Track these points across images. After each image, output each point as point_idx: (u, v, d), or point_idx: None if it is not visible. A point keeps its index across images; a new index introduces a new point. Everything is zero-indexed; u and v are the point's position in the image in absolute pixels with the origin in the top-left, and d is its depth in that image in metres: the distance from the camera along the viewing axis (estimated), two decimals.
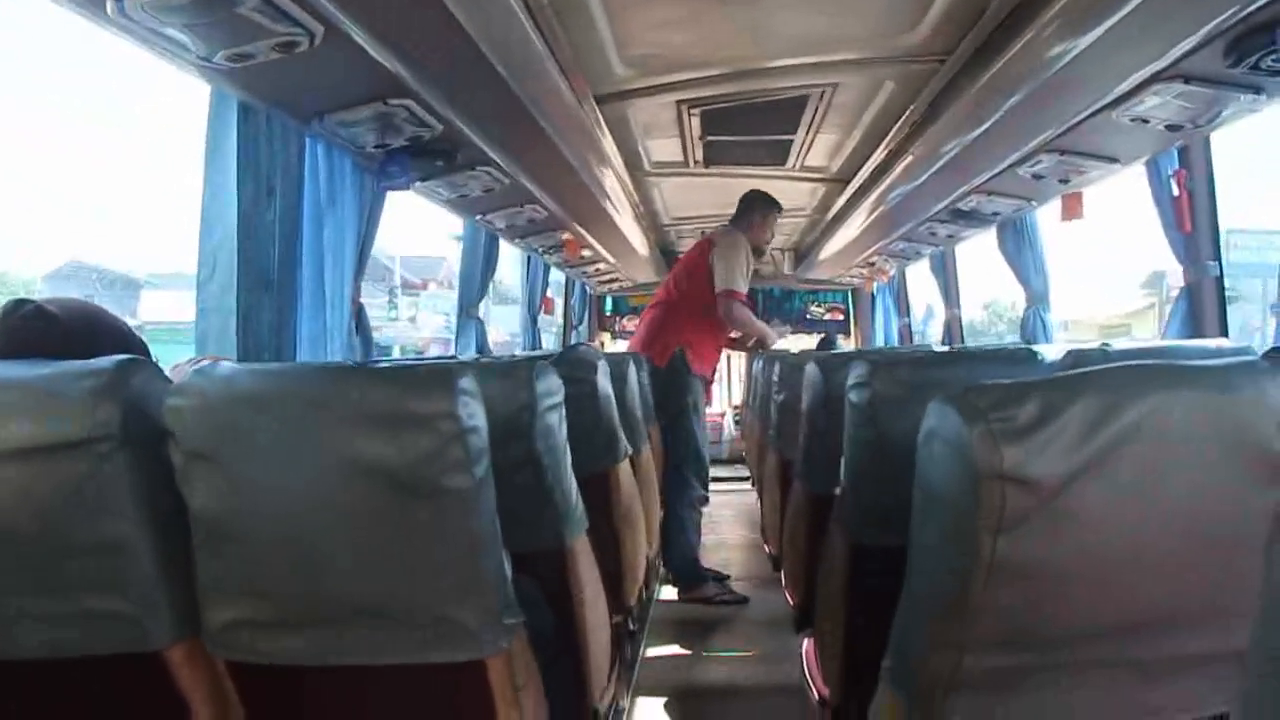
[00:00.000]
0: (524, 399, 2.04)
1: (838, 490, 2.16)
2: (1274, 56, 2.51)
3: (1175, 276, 4.00)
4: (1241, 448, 1.10)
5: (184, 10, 2.09)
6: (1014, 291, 5.74)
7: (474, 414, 1.36)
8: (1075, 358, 2.23)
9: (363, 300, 3.78)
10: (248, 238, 2.87)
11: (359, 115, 3.04)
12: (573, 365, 2.87)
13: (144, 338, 1.84)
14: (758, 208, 5.24)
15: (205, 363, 2.32)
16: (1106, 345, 3.03)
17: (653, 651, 4.30)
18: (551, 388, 2.11)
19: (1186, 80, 2.85)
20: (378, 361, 3.37)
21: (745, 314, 5.20)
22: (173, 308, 21.52)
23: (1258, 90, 2.84)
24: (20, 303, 1.69)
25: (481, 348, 6.03)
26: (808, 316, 10.17)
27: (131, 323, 1.85)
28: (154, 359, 1.86)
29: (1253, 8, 2.32)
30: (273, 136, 2.93)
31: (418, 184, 3.95)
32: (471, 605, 1.41)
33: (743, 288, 5.06)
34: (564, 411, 2.17)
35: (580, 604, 2.21)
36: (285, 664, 1.49)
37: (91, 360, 1.40)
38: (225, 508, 1.40)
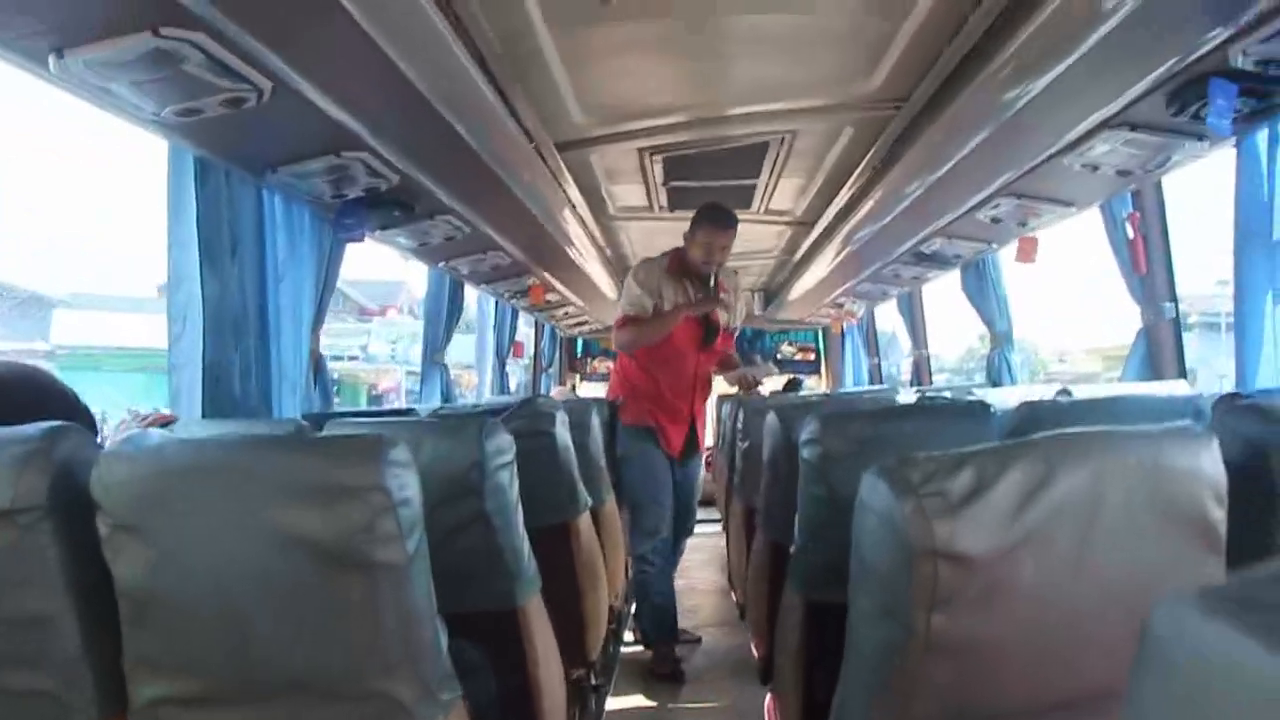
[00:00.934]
0: (473, 457, 2.02)
1: (791, 548, 2.14)
2: (1208, 107, 2.55)
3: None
4: (1178, 517, 1.09)
5: (128, 68, 2.08)
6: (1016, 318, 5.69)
7: (405, 485, 1.33)
8: (1027, 410, 2.23)
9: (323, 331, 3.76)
10: (213, 292, 2.86)
11: (313, 167, 3.03)
12: (531, 418, 2.86)
13: (52, 366, 1.80)
14: (693, 223, 4.32)
15: (150, 418, 2.31)
16: (1065, 392, 3.04)
17: (618, 703, 4.25)
18: (502, 446, 2.09)
19: (1133, 128, 2.90)
20: (337, 415, 3.34)
21: (627, 337, 4.51)
22: (89, 330, 20.52)
23: (1200, 137, 2.90)
24: None
25: (447, 395, 5.99)
26: (779, 356, 10.23)
27: (42, 347, 1.80)
28: (94, 421, 1.84)
29: (1190, 59, 2.36)
30: (231, 190, 2.94)
31: (378, 232, 3.94)
32: (406, 680, 1.38)
33: (632, 312, 4.40)
34: (514, 470, 2.14)
35: (534, 664, 2.17)
36: None
37: (18, 427, 1.37)
38: (153, 581, 1.36)
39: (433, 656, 1.41)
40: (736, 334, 4.82)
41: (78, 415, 1.72)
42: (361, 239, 3.67)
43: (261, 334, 3.12)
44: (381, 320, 29.72)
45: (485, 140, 3.14)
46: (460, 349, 6.64)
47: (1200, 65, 2.42)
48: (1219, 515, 1.10)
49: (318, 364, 3.70)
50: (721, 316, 4.53)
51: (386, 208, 3.59)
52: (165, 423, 2.31)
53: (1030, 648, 1.08)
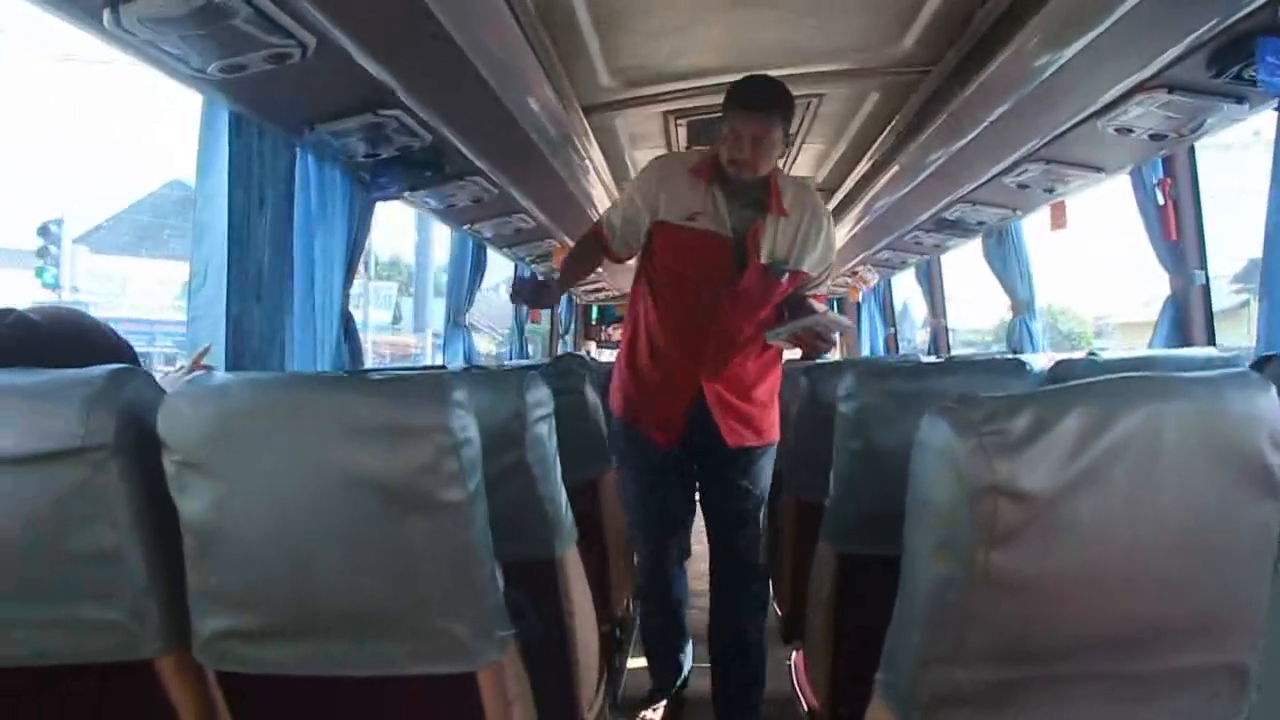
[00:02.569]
0: (514, 409, 2.04)
1: (827, 501, 2.17)
2: (1256, 66, 2.54)
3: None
4: (1233, 460, 1.10)
5: (179, 23, 2.10)
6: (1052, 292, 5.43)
7: (467, 426, 1.36)
8: (1063, 368, 2.25)
9: None
10: (238, 247, 2.88)
11: (349, 126, 3.06)
12: (561, 375, 2.89)
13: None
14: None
15: (199, 373, 2.34)
16: (1094, 354, 3.05)
17: (639, 661, 4.28)
18: (541, 398, 2.11)
19: (1170, 90, 2.88)
20: (370, 371, 3.37)
21: (560, 272, 3.27)
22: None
23: (1240, 99, 2.89)
24: (2, 312, 1.69)
25: (469, 357, 6.03)
26: None
27: None
28: (144, 366, 1.88)
29: (1234, 19, 2.35)
30: (264, 147, 2.94)
31: (408, 194, 3.96)
32: (463, 618, 1.41)
33: (607, 222, 3.07)
34: (554, 422, 2.17)
35: (570, 615, 2.21)
36: (275, 675, 1.48)
37: (84, 369, 1.40)
38: (217, 518, 1.39)
39: (490, 595, 1.44)
40: (809, 284, 2.97)
41: (123, 357, 1.76)
42: (396, 197, 3.70)
43: (289, 290, 3.15)
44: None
45: (518, 101, 3.15)
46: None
47: (1245, 24, 2.41)
48: (1276, 460, 1.11)
49: (347, 323, 3.73)
50: (766, 245, 2.84)
51: (418, 168, 3.61)
52: (205, 356, 2.35)
53: (1085, 586, 1.10)
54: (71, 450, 1.34)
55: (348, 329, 3.72)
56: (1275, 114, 2.76)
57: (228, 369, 2.78)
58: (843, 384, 2.09)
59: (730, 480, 3.05)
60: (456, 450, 1.34)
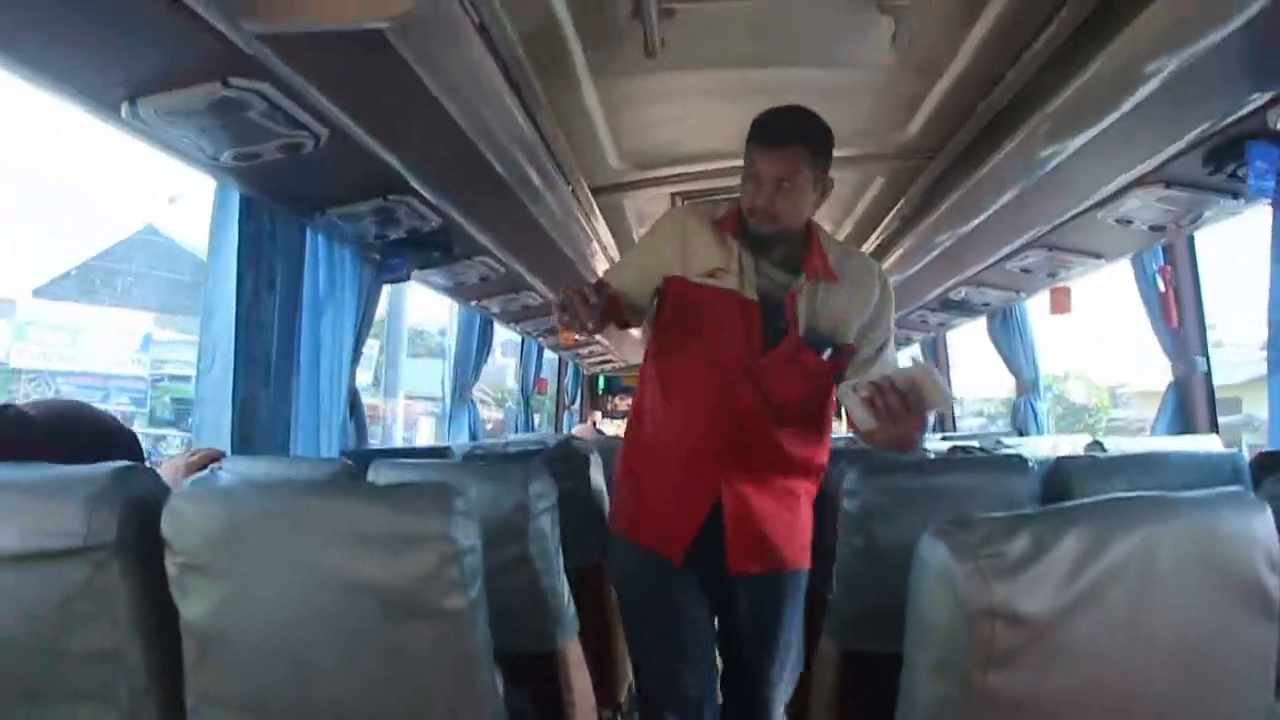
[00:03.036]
0: (518, 502, 2.05)
1: (829, 595, 2.17)
2: (1246, 167, 2.59)
3: None
4: (1230, 582, 1.11)
5: (196, 116, 2.16)
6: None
7: (469, 534, 1.36)
8: (1066, 464, 2.25)
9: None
10: (247, 329, 2.90)
11: (359, 210, 3.11)
12: (567, 460, 2.90)
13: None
14: None
15: (195, 456, 2.34)
16: (1097, 445, 3.05)
17: None
18: (544, 490, 2.12)
19: (1168, 185, 2.95)
20: (376, 453, 3.38)
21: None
22: None
23: (1235, 195, 2.94)
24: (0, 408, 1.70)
25: (475, 433, 6.03)
26: None
27: None
28: (144, 457, 1.89)
29: (1227, 121, 2.41)
30: (275, 230, 2.99)
31: (417, 273, 4.01)
32: None
33: (616, 279, 2.40)
34: (557, 513, 2.18)
35: (571, 705, 2.19)
36: None
37: (87, 466, 1.41)
38: (218, 620, 1.40)
39: (490, 701, 1.44)
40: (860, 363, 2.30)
41: (131, 451, 1.77)
42: (404, 279, 3.74)
43: (295, 371, 3.17)
44: None
45: (526, 184, 3.20)
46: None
47: (1238, 127, 2.47)
48: (1273, 581, 1.12)
49: (354, 401, 3.75)
50: (804, 313, 2.25)
51: (427, 249, 3.65)
52: (213, 460, 2.35)
53: (1083, 709, 1.10)
54: (73, 549, 1.34)
55: (354, 408, 3.75)
56: (1270, 209, 2.81)
57: (234, 452, 2.79)
58: (846, 480, 2.09)
59: (747, 614, 2.34)
60: (459, 558, 1.34)
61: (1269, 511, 1.13)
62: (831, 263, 2.25)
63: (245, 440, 2.89)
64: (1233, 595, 1.11)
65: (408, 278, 3.77)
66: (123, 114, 2.08)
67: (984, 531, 1.07)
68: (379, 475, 2.18)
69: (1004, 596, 1.05)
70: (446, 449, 3.72)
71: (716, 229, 2.29)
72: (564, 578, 2.21)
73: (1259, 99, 2.30)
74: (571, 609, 2.23)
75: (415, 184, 2.91)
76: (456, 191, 3.12)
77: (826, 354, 2.25)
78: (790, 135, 2.12)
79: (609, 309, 2.28)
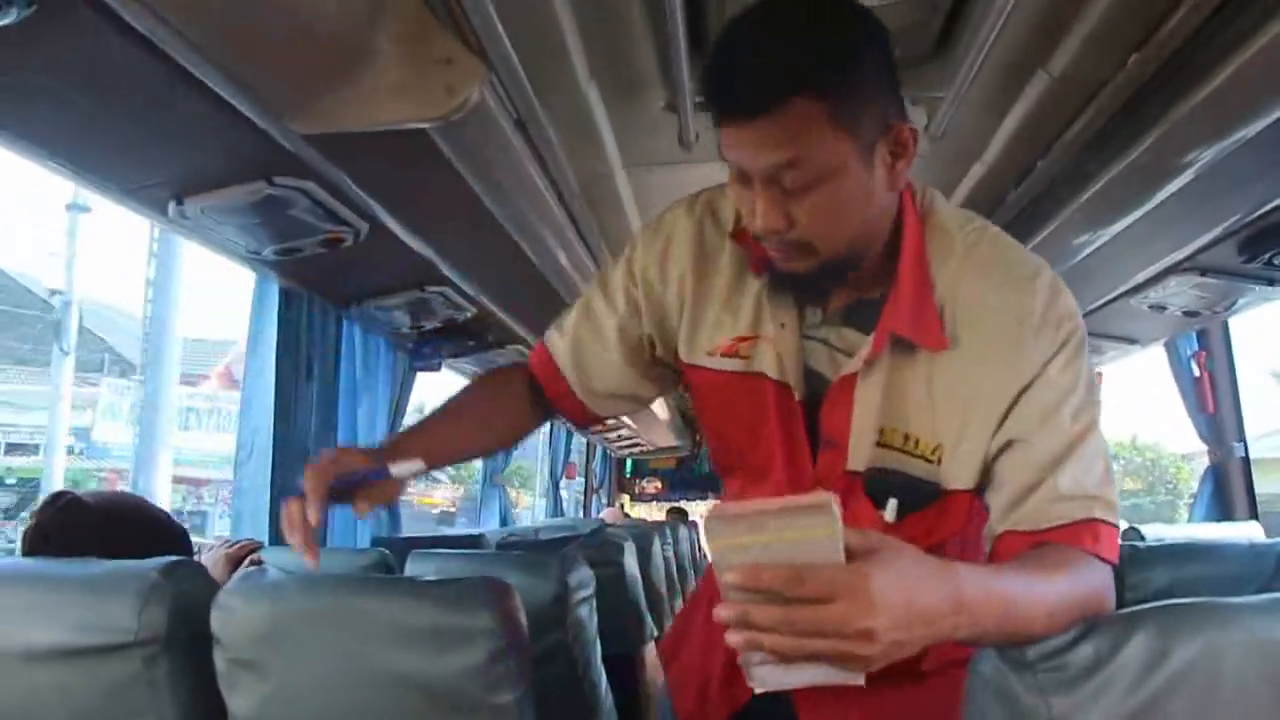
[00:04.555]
0: (556, 593, 2.04)
1: None
2: None
3: None
4: None
5: (241, 212, 2.20)
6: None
7: (516, 629, 1.36)
8: None
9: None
10: (284, 417, 2.93)
11: (395, 301, 3.15)
12: (603, 549, 2.89)
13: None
14: None
15: (234, 548, 2.35)
16: (1134, 530, 3.01)
17: None
18: (583, 579, 2.11)
19: (1202, 272, 2.94)
20: (410, 540, 3.38)
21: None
22: None
23: (1271, 282, 2.94)
24: (57, 495, 1.72)
25: (505, 518, 6.01)
26: None
27: None
28: (194, 551, 1.90)
29: (1264, 209, 2.41)
30: (313, 319, 3.02)
31: (450, 361, 4.04)
32: None
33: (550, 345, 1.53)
34: (594, 603, 2.17)
35: None
36: None
37: (137, 561, 1.42)
38: (267, 714, 1.39)
39: None
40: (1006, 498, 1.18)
41: (177, 541, 1.78)
42: (437, 368, 3.78)
43: None
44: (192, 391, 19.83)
45: (559, 273, 3.23)
46: None
47: (1273, 216, 2.47)
48: None
49: None
50: (866, 418, 1.24)
51: (460, 338, 3.70)
52: (251, 551, 2.36)
53: None
54: (124, 644, 1.35)
55: None
56: None
57: (271, 543, 2.80)
58: None
59: None
60: (507, 653, 1.34)
61: None
62: (944, 301, 1.23)
63: (281, 532, 2.89)
64: None
65: (439, 367, 3.80)
66: (170, 213, 2.13)
67: (1042, 644, 1.05)
68: (416, 565, 2.18)
69: (1064, 710, 1.02)
70: (480, 536, 3.71)
71: (736, 254, 1.36)
72: (601, 668, 2.19)
73: None
74: (609, 700, 2.20)
75: (451, 275, 2.94)
76: (491, 282, 3.16)
77: (892, 511, 1.26)
78: (772, 83, 1.09)
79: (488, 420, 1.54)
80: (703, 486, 10.53)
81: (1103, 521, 1.15)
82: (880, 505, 1.25)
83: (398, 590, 1.43)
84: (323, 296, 3.02)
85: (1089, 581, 1.12)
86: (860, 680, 0.95)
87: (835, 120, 1.09)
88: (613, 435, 8.30)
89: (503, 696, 1.35)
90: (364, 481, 1.33)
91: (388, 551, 2.48)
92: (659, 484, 10.78)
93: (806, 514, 0.87)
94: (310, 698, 1.39)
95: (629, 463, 10.72)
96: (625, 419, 7.00)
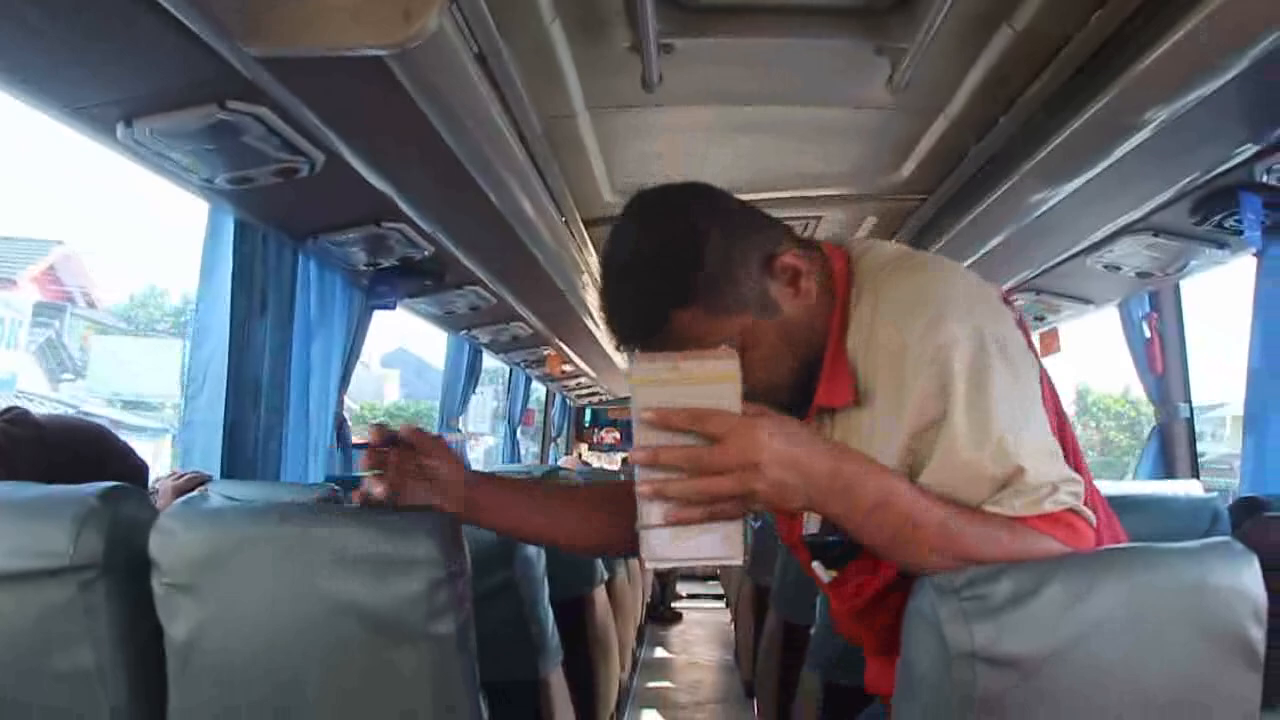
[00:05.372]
0: None
1: (812, 629, 2.17)
2: (1236, 217, 2.63)
3: None
4: (1216, 633, 1.11)
5: (192, 137, 2.15)
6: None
7: (457, 559, 1.37)
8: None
9: None
10: (239, 352, 2.90)
11: (352, 236, 3.11)
12: None
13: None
14: None
15: (182, 479, 2.34)
16: None
17: None
18: None
19: (1155, 233, 2.97)
20: (356, 477, 3.38)
21: None
22: None
23: (1221, 245, 2.97)
24: (7, 409, 1.71)
25: (465, 462, 5.98)
26: None
27: None
28: (147, 479, 1.89)
29: (1216, 172, 2.44)
30: (268, 253, 2.98)
31: (407, 300, 4.01)
32: None
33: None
34: None
35: None
36: None
37: (77, 486, 1.41)
38: (204, 640, 1.39)
39: None
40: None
41: (133, 472, 1.77)
42: (392, 307, 3.74)
43: (285, 396, 3.16)
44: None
45: (519, 215, 3.21)
46: None
47: (1226, 178, 2.50)
48: (1258, 634, 1.12)
49: (340, 426, 3.74)
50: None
51: (418, 277, 3.66)
52: (200, 483, 2.35)
53: None
54: (59, 569, 1.34)
55: (340, 434, 3.74)
56: (1254, 260, 2.85)
57: (223, 476, 2.78)
58: None
59: None
60: (448, 583, 1.34)
61: (1256, 563, 1.14)
62: (855, 351, 1.30)
63: (234, 464, 2.88)
64: (1217, 646, 1.11)
65: (395, 306, 3.77)
66: (119, 135, 2.08)
67: (969, 575, 1.07)
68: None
69: (986, 639, 1.05)
70: None
71: None
72: (549, 608, 2.20)
73: (1247, 151, 2.32)
74: (556, 639, 2.22)
75: (409, 211, 2.91)
76: (449, 220, 3.13)
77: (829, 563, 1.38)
78: (645, 318, 1.30)
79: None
80: None
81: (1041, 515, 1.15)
82: (827, 562, 1.36)
83: (341, 518, 1.42)
84: (279, 229, 2.98)
85: (1009, 528, 1.14)
86: (739, 560, 1.13)
87: (713, 310, 1.26)
88: (572, 383, 8.30)
89: (443, 626, 1.35)
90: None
91: (338, 488, 2.48)
92: (617, 434, 10.83)
93: (713, 359, 1.09)
94: (248, 624, 1.38)
95: (588, 412, 10.74)
96: (584, 366, 7.00)
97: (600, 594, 3.09)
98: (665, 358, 1.09)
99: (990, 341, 1.18)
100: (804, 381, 1.32)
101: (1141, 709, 1.09)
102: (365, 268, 3.46)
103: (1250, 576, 1.12)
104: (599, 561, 3.12)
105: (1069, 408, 1.30)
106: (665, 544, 1.09)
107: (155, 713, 1.42)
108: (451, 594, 1.35)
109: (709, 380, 1.07)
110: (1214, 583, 1.12)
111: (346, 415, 3.83)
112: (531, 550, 2.12)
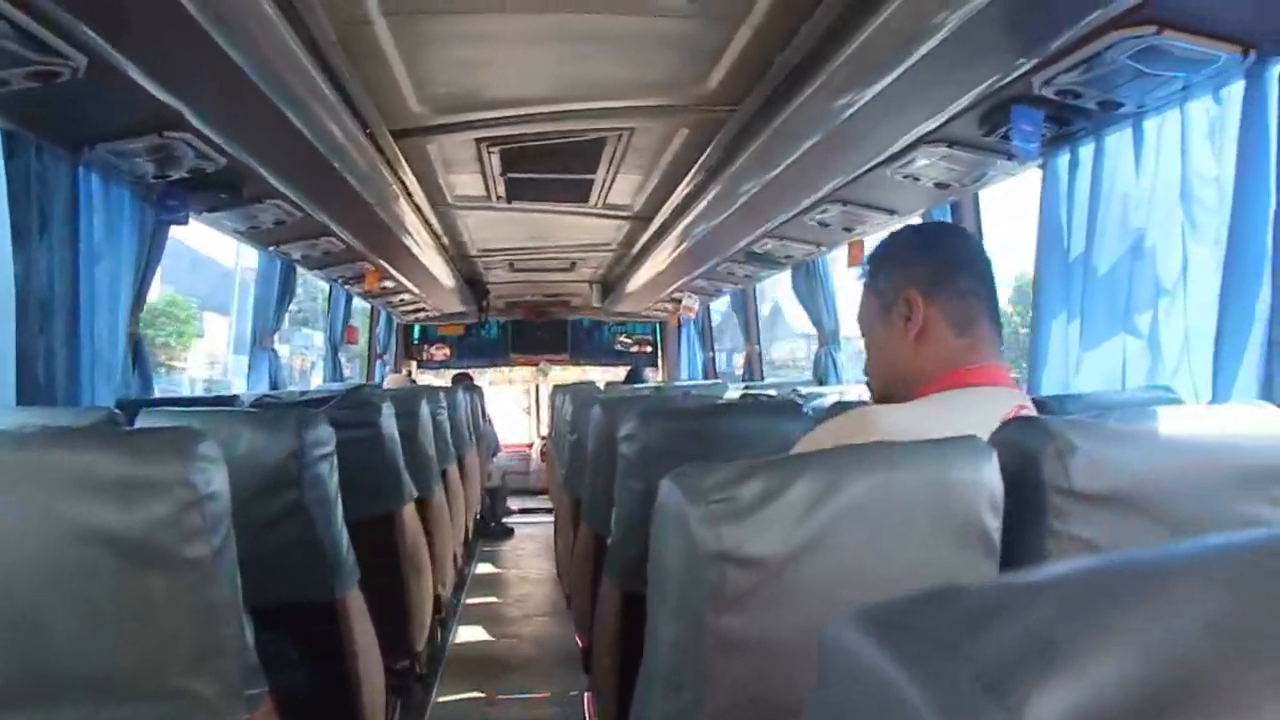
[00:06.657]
0: (291, 448, 2.00)
1: (610, 538, 2.19)
2: (1013, 131, 2.72)
3: None
4: (956, 524, 1.16)
5: None
6: None
7: (212, 480, 1.31)
8: (839, 408, 2.33)
9: None
10: (22, 273, 2.73)
11: (134, 146, 2.94)
12: (356, 408, 2.85)
13: None
14: None
15: None
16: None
17: (446, 695, 4.25)
18: (322, 437, 2.07)
19: (949, 144, 3.07)
20: (153, 402, 3.25)
21: None
22: None
23: (1010, 157, 3.08)
24: None
25: (276, 382, 5.83)
26: (616, 347, 10.30)
27: None
28: None
29: (997, 85, 2.51)
30: (43, 166, 2.80)
31: (205, 215, 3.84)
32: (208, 676, 1.35)
33: None
34: (334, 461, 2.13)
35: (352, 656, 2.17)
36: None
37: None
38: None
39: (236, 652, 1.39)
40: None
41: None
42: (185, 222, 3.57)
43: (73, 318, 3.00)
44: None
45: (317, 126, 3.09)
46: None
47: (1007, 91, 2.57)
48: (994, 524, 1.17)
49: (136, 348, 3.58)
50: None
51: (212, 190, 3.51)
52: None
53: (814, 648, 1.13)
54: None
55: (137, 356, 3.58)
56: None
57: (19, 403, 2.64)
58: (624, 424, 2.11)
59: None
60: (199, 504, 1.29)
61: (995, 457, 1.18)
62: None
63: (27, 391, 2.73)
64: (958, 536, 1.16)
65: (187, 220, 3.60)
66: None
67: (717, 477, 1.09)
68: (146, 423, 2.08)
69: (734, 541, 1.07)
70: (234, 398, 3.60)
71: None
72: (344, 527, 2.17)
73: (1024, 64, 2.39)
74: (351, 559, 2.19)
75: (194, 120, 2.76)
76: (239, 131, 2.99)
77: None
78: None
79: None
80: (491, 353, 10.48)
81: None
82: None
83: (86, 441, 1.34)
84: (51, 140, 2.79)
85: None
86: None
87: (870, 287, 1.72)
88: (396, 299, 8.15)
89: (196, 549, 1.30)
90: None
91: (119, 411, 2.37)
92: (447, 350, 10.64)
93: None
94: None
95: (416, 329, 10.53)
96: (407, 282, 6.86)
97: (409, 510, 3.07)
98: None
99: None
100: (884, 395, 1.70)
101: (885, 596, 1.13)
102: (154, 180, 3.28)
103: (988, 470, 1.17)
104: (406, 478, 3.09)
105: None
106: None
107: None
108: (205, 515, 1.30)
109: None
110: (955, 477, 1.16)
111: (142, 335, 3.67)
112: (322, 469, 2.07)
